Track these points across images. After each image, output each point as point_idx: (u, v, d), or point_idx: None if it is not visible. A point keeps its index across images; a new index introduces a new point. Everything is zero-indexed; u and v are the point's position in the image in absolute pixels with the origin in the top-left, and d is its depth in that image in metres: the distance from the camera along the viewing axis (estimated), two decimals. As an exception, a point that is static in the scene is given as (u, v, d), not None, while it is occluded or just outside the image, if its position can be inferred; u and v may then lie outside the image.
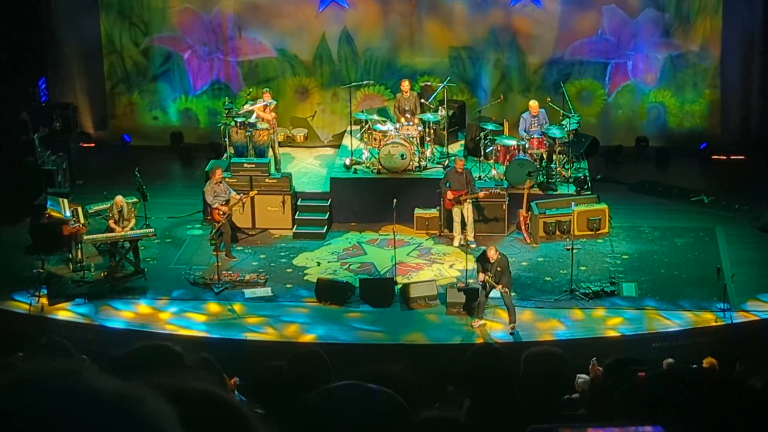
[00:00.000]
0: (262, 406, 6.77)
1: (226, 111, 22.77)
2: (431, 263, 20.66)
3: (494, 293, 18.32)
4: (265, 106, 22.63)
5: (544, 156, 22.17)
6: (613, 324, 18.61)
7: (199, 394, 2.78)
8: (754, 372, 13.44)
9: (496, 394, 6.24)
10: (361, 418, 3.05)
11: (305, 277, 20.14)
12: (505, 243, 20.96)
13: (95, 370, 2.35)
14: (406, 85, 22.87)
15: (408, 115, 22.61)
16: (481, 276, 18.11)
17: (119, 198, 20.23)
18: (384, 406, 3.12)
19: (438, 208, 21.50)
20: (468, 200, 20.86)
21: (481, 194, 20.90)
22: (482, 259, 18.24)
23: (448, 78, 23.42)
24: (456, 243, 21.10)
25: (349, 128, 23.67)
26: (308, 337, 18.30)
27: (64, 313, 19.04)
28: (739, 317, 18.54)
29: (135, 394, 2.32)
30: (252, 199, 21.47)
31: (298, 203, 22.21)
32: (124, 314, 19.01)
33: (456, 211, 20.99)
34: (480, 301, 18.36)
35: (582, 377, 14.55)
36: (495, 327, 18.45)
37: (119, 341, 17.34)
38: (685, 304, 19.02)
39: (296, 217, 22.00)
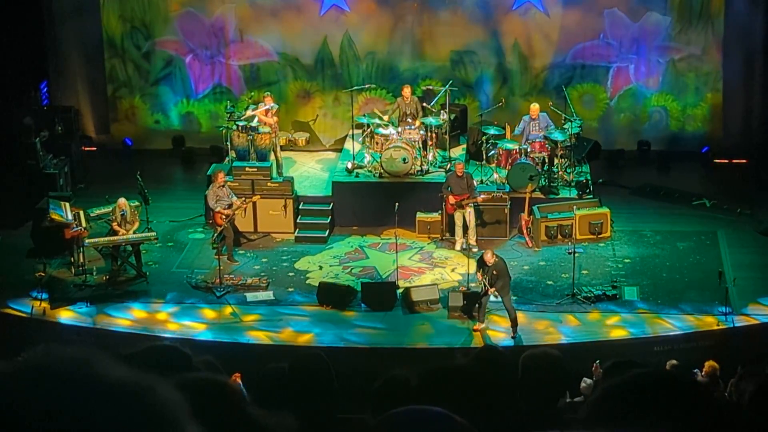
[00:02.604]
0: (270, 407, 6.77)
1: (228, 115, 22.78)
2: (433, 267, 20.66)
3: (495, 298, 18.33)
4: (267, 110, 22.62)
5: (546, 160, 22.17)
6: (614, 328, 18.60)
7: (203, 382, 2.79)
8: (755, 375, 13.44)
9: (499, 397, 6.23)
10: None
11: (307, 281, 20.15)
12: (506, 247, 20.96)
13: (106, 358, 2.34)
14: (407, 90, 22.88)
15: (410, 119, 22.63)
16: (479, 276, 18.15)
17: (122, 200, 20.23)
18: (445, 426, 3.10)
19: (440, 212, 21.50)
20: (469, 204, 20.87)
21: (481, 198, 20.88)
22: (480, 263, 18.27)
23: (450, 82, 23.42)
24: (458, 247, 21.11)
25: (350, 132, 23.69)
26: (310, 341, 18.29)
27: (66, 316, 19.03)
28: (741, 321, 18.54)
29: (146, 383, 2.31)
30: (254, 203, 21.47)
31: (300, 207, 22.21)
32: (125, 318, 19.02)
33: (458, 215, 21.00)
34: (481, 304, 18.36)
35: (587, 381, 14.57)
36: (497, 330, 18.45)
37: (121, 345, 17.33)
38: (686, 307, 19.02)
39: (298, 220, 22.01)
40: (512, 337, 18.14)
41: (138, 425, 2.25)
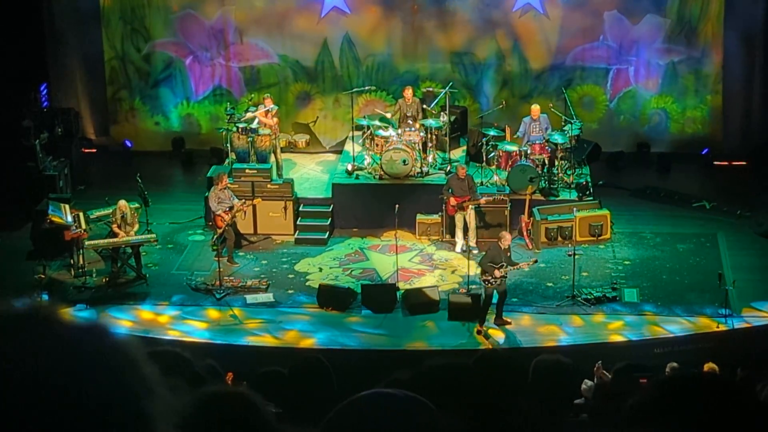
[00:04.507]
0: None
1: (228, 117, 22.78)
2: (433, 269, 20.66)
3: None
4: (267, 112, 22.64)
5: (546, 162, 22.18)
6: (614, 330, 18.60)
7: (226, 396, 2.80)
8: (756, 378, 13.43)
9: (501, 400, 6.24)
10: (391, 424, 3.04)
11: (307, 283, 20.14)
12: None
13: (63, 305, 2.40)
14: (409, 92, 22.90)
15: (410, 121, 22.64)
16: (498, 272, 18.06)
17: (122, 202, 20.23)
18: (410, 409, 3.11)
19: (440, 213, 21.51)
20: (470, 206, 20.87)
21: (483, 200, 20.90)
22: (494, 252, 18.13)
23: (450, 84, 23.42)
24: (458, 249, 21.11)
25: (351, 134, 23.69)
26: (310, 343, 18.28)
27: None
28: (741, 323, 18.53)
29: (103, 325, 2.36)
30: (254, 205, 21.48)
31: (300, 209, 22.21)
32: (125, 320, 19.01)
33: (458, 217, 21.00)
34: (485, 306, 18.35)
35: (588, 383, 14.52)
36: (498, 333, 18.47)
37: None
38: (686, 309, 19.01)
39: (298, 222, 22.01)
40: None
41: (96, 363, 2.27)
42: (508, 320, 18.57)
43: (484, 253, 18.87)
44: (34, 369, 2.21)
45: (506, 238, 18.37)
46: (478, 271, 18.56)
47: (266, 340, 18.43)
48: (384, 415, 3.04)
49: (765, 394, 6.27)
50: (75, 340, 2.30)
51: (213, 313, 19.26)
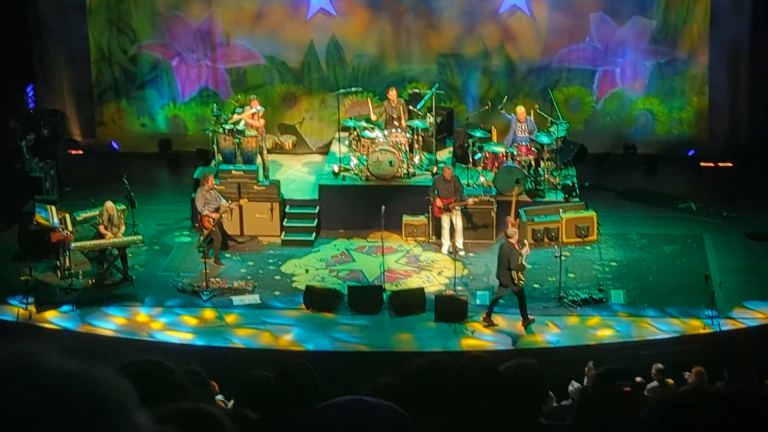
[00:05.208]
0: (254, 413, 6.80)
1: (215, 118, 22.76)
2: (420, 270, 20.66)
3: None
4: (254, 114, 22.61)
5: (533, 163, 22.21)
6: (600, 331, 18.60)
7: (190, 412, 2.79)
8: (742, 380, 13.47)
9: (487, 402, 6.25)
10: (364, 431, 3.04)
11: (293, 285, 20.12)
12: (493, 250, 20.92)
13: (52, 351, 2.37)
14: (393, 93, 22.89)
15: (396, 123, 22.64)
16: (522, 273, 18.16)
17: (109, 204, 20.18)
18: (385, 419, 3.11)
19: (426, 215, 21.51)
20: (457, 208, 20.88)
21: (470, 202, 20.92)
22: (515, 252, 18.03)
23: (437, 85, 23.42)
24: (444, 250, 21.12)
25: (337, 135, 23.69)
26: (296, 345, 18.25)
27: (52, 320, 18.96)
28: (727, 324, 18.55)
29: (92, 373, 2.34)
30: (240, 206, 21.45)
31: (287, 210, 22.19)
32: (111, 321, 18.96)
33: (445, 219, 21.00)
34: (523, 302, 18.40)
35: (575, 384, 14.54)
36: (486, 331, 18.49)
37: (107, 349, 17.30)
38: (673, 311, 19.05)
39: (284, 224, 21.99)
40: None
41: (85, 414, 2.27)
42: (495, 322, 18.60)
43: (499, 257, 18.46)
44: (22, 417, 2.21)
45: (513, 231, 18.41)
46: (514, 274, 18.25)
47: (252, 342, 18.37)
48: (357, 423, 3.04)
49: (727, 387, 6.27)
50: (64, 387, 2.29)
51: (200, 315, 19.21)
